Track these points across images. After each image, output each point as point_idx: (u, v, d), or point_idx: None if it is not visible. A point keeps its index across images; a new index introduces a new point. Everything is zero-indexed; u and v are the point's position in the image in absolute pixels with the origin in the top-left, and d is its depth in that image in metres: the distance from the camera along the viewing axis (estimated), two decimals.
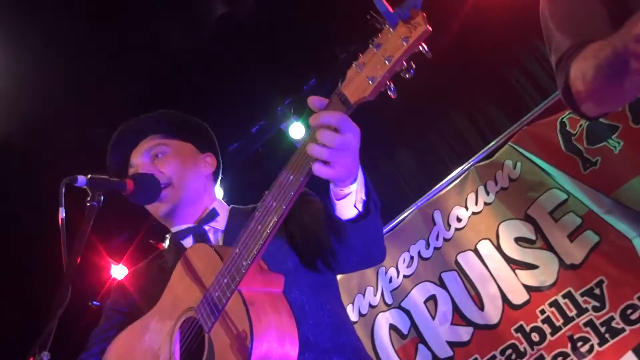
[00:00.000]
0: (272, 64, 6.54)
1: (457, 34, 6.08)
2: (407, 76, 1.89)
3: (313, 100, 2.05)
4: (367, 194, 2.20)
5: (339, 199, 2.16)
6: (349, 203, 2.17)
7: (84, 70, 5.81)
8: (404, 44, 1.82)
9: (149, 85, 5.82)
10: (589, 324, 5.56)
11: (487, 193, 6.25)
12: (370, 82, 1.90)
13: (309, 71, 7.05)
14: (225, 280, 2.16)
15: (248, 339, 2.02)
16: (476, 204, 6.31)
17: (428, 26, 1.80)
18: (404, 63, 1.88)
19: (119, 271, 7.32)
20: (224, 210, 2.93)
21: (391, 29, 1.86)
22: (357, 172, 2.12)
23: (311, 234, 2.46)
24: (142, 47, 6.03)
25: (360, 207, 2.19)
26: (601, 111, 2.21)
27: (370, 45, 1.91)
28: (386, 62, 1.86)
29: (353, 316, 6.81)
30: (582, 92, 2.12)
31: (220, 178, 3.19)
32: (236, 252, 2.16)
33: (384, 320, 6.71)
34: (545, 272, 5.82)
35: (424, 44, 1.84)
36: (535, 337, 5.79)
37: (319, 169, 1.97)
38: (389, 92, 1.93)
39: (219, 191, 3.27)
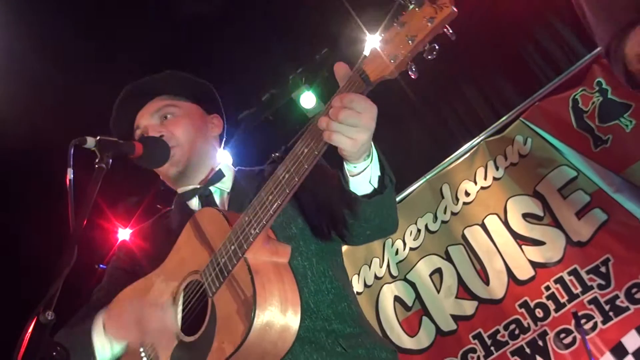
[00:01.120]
0: (284, 32, 6.51)
1: (471, 7, 6.02)
2: (430, 57, 1.87)
3: (339, 67, 2.04)
4: (381, 169, 2.20)
5: (353, 176, 2.16)
6: (364, 179, 2.17)
7: (93, 34, 5.78)
8: (429, 24, 1.80)
9: (159, 52, 5.79)
10: (594, 301, 5.57)
11: (497, 168, 6.24)
12: (391, 61, 1.88)
13: (321, 41, 7.01)
14: (233, 247, 2.16)
15: (251, 307, 2.03)
16: (485, 178, 6.30)
17: (454, 8, 1.78)
18: (427, 44, 1.86)
19: (126, 235, 7.35)
20: (230, 172, 2.91)
21: (417, 8, 1.84)
22: (370, 150, 2.12)
23: (325, 206, 2.46)
24: (153, 11, 6.00)
25: (375, 183, 2.20)
26: None
27: (395, 23, 1.88)
28: (409, 41, 1.84)
29: (358, 287, 6.84)
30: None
31: (224, 140, 3.16)
32: (245, 219, 2.16)
33: (388, 292, 6.74)
34: (552, 249, 5.83)
35: (448, 26, 1.82)
36: (539, 313, 5.81)
37: (328, 136, 1.97)
38: (410, 72, 1.91)
39: (225, 155, 3.23)
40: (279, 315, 2.08)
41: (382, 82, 1.99)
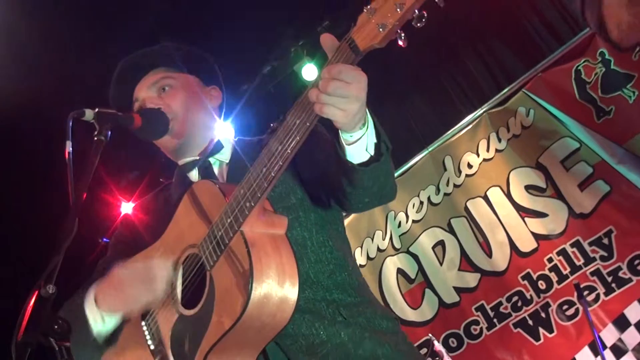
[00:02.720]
0: (286, 4, 6.46)
1: None
2: (419, 25, 1.83)
3: (325, 39, 2.00)
4: (377, 136, 2.17)
5: (349, 144, 2.14)
6: (361, 147, 2.14)
7: (91, 4, 5.74)
8: None
9: (159, 24, 5.75)
10: (596, 273, 5.59)
11: (499, 140, 6.22)
12: (380, 30, 1.84)
13: (323, 12, 6.97)
14: (229, 221, 2.15)
15: (248, 280, 2.03)
16: (488, 150, 6.28)
17: None
18: (416, 11, 1.81)
19: (129, 208, 7.34)
20: (229, 142, 2.89)
21: None
22: (366, 118, 2.09)
23: (324, 174, 2.44)
24: None
25: (372, 150, 2.17)
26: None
27: None
28: (397, 9, 1.79)
29: (361, 259, 6.85)
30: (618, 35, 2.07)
31: (225, 111, 3.14)
32: (240, 192, 2.15)
33: (391, 265, 6.75)
34: (555, 221, 5.83)
35: None
36: (542, 285, 5.83)
37: (319, 109, 1.95)
38: (399, 41, 1.88)
39: (227, 127, 3.20)
40: (277, 288, 2.08)
41: (384, 54, 1.96)
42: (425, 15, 1.81)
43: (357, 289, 2.55)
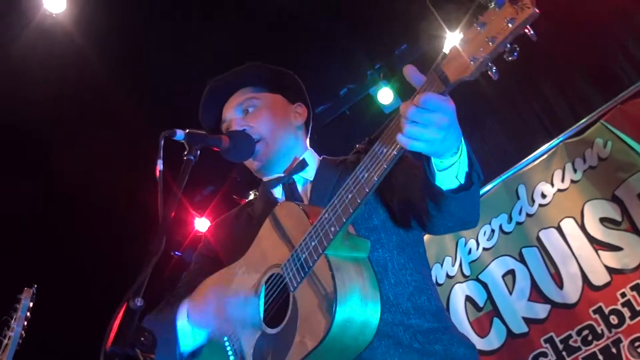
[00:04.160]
0: (364, 27, 6.52)
1: (554, 7, 5.95)
2: (510, 59, 1.83)
3: (410, 72, 2.00)
4: (470, 165, 2.17)
5: (440, 170, 2.15)
6: (451, 174, 2.15)
7: (178, 26, 5.88)
8: (509, 25, 1.76)
9: (239, 46, 5.87)
10: None
11: (575, 170, 6.15)
12: (471, 63, 1.84)
13: (400, 36, 7.00)
14: (313, 244, 2.20)
15: (332, 303, 2.06)
16: (562, 181, 6.21)
17: (536, 9, 1.73)
18: (508, 45, 1.81)
19: (202, 224, 7.46)
20: (314, 161, 2.95)
21: (497, 8, 1.79)
22: (458, 146, 2.09)
23: (407, 196, 2.46)
24: (234, 5, 6.08)
25: (462, 179, 2.18)
26: None
27: (474, 24, 1.83)
28: (489, 43, 1.80)
29: None
30: None
31: (311, 126, 3.19)
32: (325, 216, 2.19)
33: (460, 292, 6.70)
34: (629, 255, 5.72)
35: (529, 27, 1.78)
36: (613, 319, 5.71)
37: (403, 141, 1.95)
38: (489, 73, 1.88)
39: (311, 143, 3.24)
40: (359, 311, 2.12)
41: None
42: (517, 48, 1.81)
43: (435, 313, 2.56)
